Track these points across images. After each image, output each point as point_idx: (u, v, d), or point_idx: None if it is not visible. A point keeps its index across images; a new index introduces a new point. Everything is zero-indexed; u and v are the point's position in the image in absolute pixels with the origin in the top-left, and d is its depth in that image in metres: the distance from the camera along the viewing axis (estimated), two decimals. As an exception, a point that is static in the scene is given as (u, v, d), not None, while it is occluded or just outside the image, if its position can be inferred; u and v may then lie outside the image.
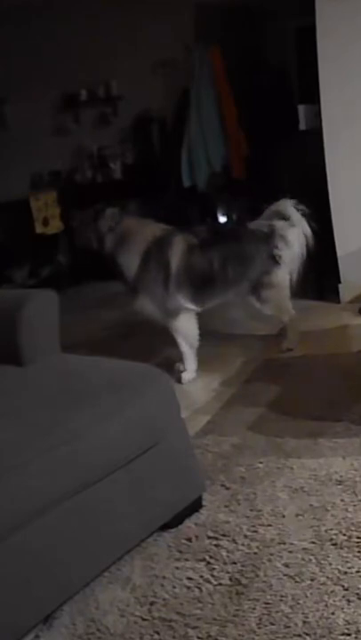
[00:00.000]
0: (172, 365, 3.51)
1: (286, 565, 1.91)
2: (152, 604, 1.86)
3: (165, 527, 2.14)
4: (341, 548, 1.93)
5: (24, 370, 2.27)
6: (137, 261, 3.43)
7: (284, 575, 1.87)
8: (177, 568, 1.99)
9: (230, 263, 3.53)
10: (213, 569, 1.96)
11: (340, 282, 4.36)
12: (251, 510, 2.21)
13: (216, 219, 5.87)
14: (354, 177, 4.19)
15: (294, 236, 3.60)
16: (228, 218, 5.94)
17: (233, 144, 5.56)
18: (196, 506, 2.23)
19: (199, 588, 1.89)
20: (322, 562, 1.89)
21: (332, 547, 1.95)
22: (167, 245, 3.46)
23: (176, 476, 2.15)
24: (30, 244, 6.08)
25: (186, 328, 3.53)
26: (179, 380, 3.43)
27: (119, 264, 3.45)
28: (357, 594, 1.74)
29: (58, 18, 5.85)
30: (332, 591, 1.77)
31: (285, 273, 3.65)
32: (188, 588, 1.90)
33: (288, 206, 3.61)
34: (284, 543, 2.01)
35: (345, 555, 1.90)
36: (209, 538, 2.10)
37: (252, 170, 5.61)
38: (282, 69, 5.89)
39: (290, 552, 1.96)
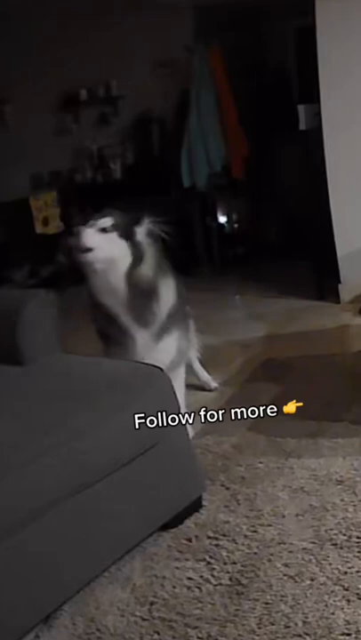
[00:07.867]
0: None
1: (286, 565, 1.91)
2: (152, 604, 1.86)
3: (165, 527, 2.14)
4: (341, 548, 1.93)
5: (24, 370, 2.27)
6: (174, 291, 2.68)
7: (284, 575, 1.87)
8: (177, 568, 1.99)
9: None
10: (213, 569, 1.95)
11: (340, 282, 4.36)
12: (251, 510, 2.21)
13: (216, 218, 5.88)
14: (354, 177, 4.20)
15: None
16: (228, 218, 5.95)
17: (233, 144, 5.56)
18: (196, 506, 2.23)
19: (199, 588, 1.89)
20: (322, 562, 1.89)
21: (332, 547, 1.95)
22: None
23: (176, 475, 2.15)
24: (30, 244, 6.08)
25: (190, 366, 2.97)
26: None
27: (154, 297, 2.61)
28: (357, 594, 1.74)
29: (58, 17, 5.85)
30: (332, 591, 1.77)
31: None
32: (188, 587, 1.90)
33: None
34: (284, 543, 2.01)
35: (345, 555, 1.90)
36: (209, 538, 2.10)
37: (252, 170, 5.61)
38: (282, 69, 5.89)
39: (290, 552, 1.96)
